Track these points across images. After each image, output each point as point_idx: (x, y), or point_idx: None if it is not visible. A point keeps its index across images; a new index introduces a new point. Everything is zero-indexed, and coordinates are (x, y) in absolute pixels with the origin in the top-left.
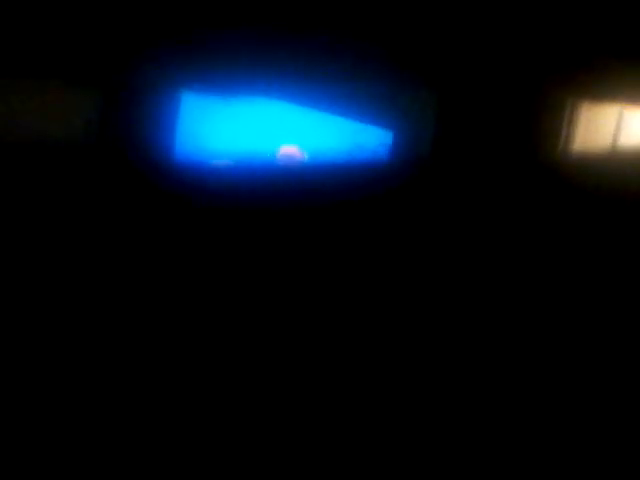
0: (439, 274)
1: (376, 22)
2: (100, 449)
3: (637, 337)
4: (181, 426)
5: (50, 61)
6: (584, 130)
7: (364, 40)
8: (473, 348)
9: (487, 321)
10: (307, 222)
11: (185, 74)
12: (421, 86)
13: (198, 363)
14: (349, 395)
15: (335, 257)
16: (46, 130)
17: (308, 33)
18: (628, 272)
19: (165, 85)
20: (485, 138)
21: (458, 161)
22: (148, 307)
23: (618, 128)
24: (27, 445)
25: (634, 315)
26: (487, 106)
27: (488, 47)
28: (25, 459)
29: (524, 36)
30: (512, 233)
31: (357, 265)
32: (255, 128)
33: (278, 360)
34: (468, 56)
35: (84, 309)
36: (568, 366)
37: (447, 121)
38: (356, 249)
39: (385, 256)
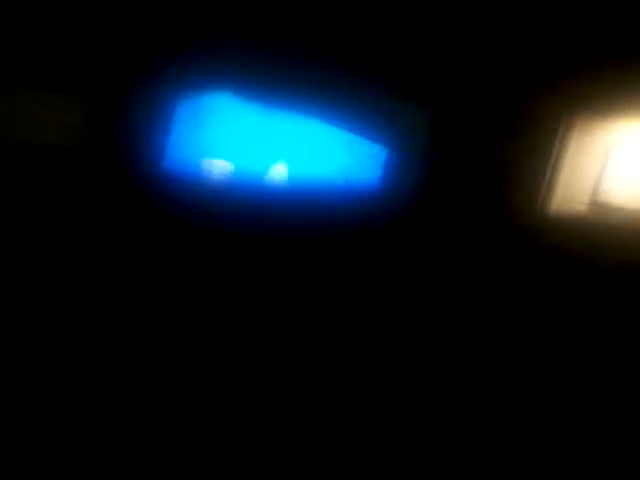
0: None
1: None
2: (100, 449)
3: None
4: (181, 426)
5: (46, 68)
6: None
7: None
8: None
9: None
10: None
11: (180, 82)
12: (414, 103)
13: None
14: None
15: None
16: (42, 135)
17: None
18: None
19: (160, 92)
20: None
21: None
22: (140, 311)
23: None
24: (27, 445)
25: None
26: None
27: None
28: (25, 459)
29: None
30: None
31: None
32: (251, 136)
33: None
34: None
35: (77, 310)
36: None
37: (440, 137)
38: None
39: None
